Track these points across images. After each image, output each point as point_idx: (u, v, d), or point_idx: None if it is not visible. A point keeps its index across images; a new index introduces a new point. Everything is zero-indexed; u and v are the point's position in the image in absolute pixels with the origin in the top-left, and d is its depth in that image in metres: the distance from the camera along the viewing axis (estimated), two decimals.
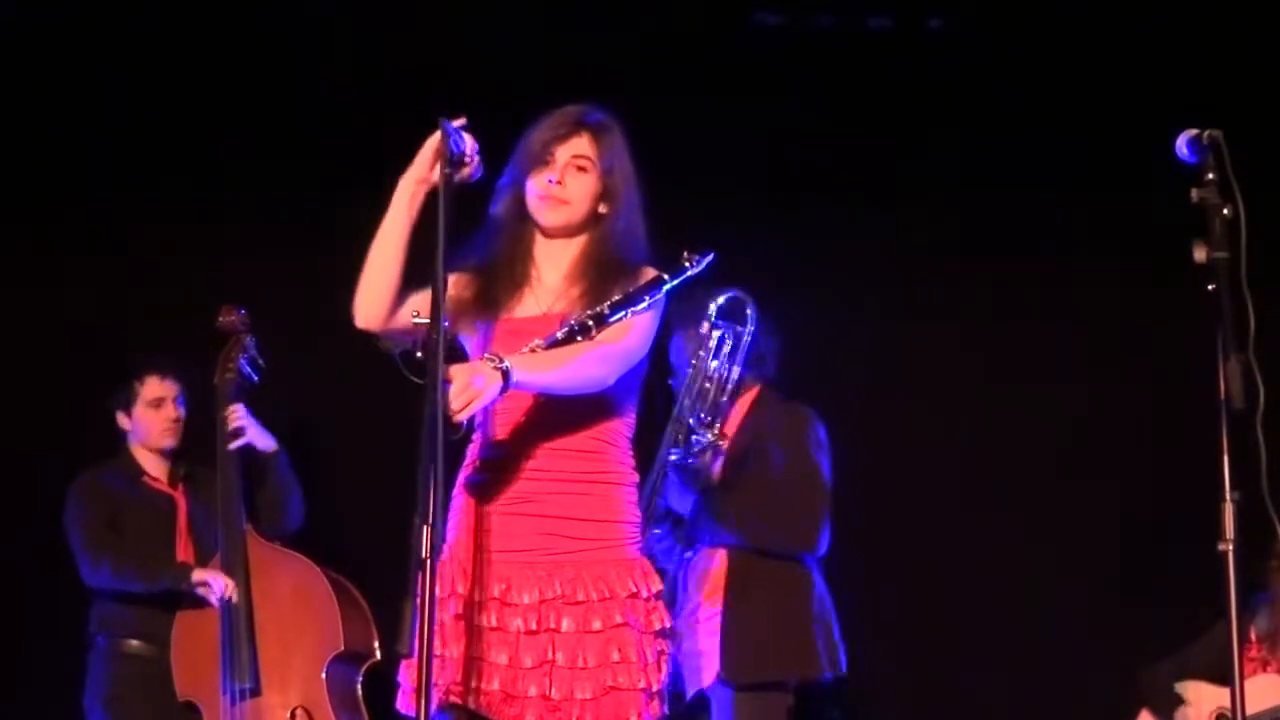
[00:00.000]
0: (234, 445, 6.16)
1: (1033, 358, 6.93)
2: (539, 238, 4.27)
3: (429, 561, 3.73)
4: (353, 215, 4.26)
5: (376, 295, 4.15)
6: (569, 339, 4.04)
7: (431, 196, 4.05)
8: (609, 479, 4.20)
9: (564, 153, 4.21)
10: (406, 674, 4.10)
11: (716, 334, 5.66)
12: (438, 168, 4.00)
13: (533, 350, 4.02)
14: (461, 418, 3.86)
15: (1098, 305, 6.98)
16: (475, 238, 4.20)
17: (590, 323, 4.05)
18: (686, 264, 4.20)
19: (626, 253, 4.24)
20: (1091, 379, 6.95)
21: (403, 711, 4.13)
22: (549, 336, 4.04)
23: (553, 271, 4.26)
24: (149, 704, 6.05)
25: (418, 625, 3.72)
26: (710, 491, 5.66)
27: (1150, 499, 6.75)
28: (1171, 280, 4.43)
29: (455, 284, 4.11)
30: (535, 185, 4.22)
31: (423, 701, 3.72)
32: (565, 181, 4.21)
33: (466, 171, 4.04)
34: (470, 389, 3.85)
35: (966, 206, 6.98)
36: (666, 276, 4.17)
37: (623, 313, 4.08)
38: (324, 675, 5.84)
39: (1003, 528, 6.83)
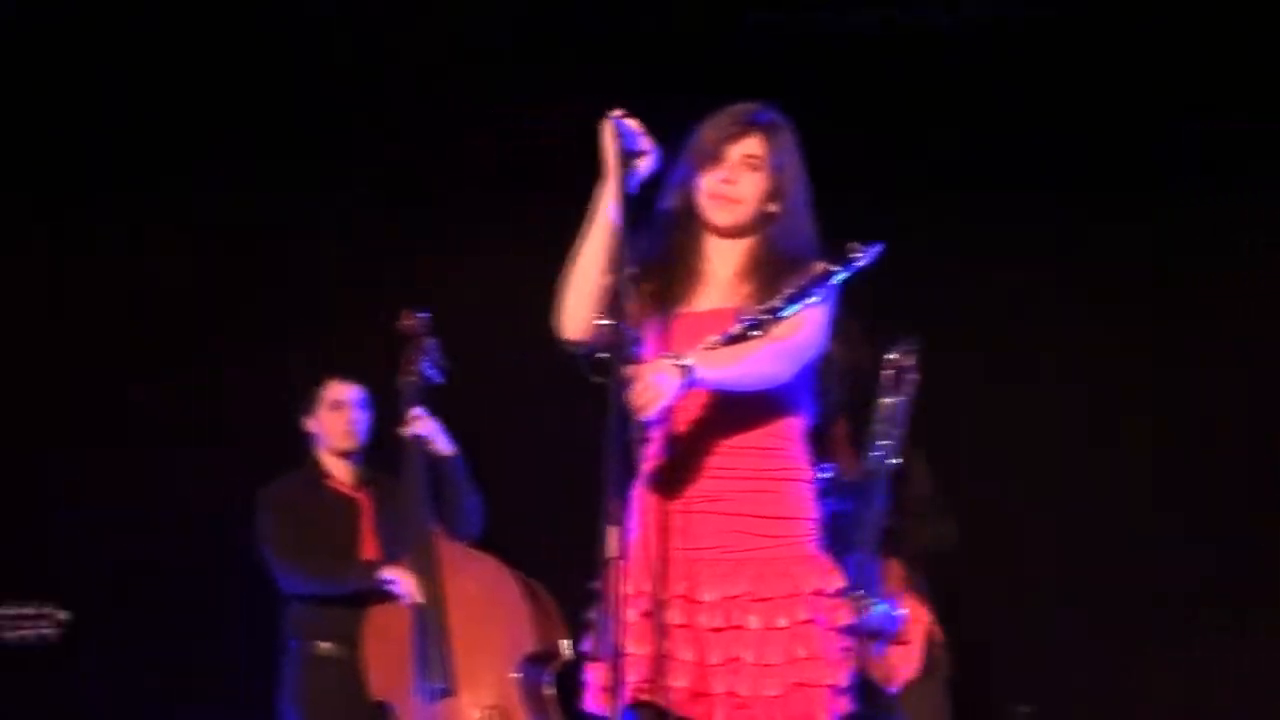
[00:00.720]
0: (411, 433, 6.20)
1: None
2: (709, 234, 4.26)
3: (617, 561, 3.74)
4: (533, 218, 4.28)
5: (582, 306, 4.13)
6: (744, 335, 4.03)
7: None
8: (789, 475, 4.18)
9: (735, 151, 4.18)
10: (593, 673, 4.11)
11: None
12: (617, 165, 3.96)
13: (709, 347, 4.01)
14: (645, 416, 3.86)
15: None
16: (643, 234, 4.16)
17: (765, 317, 4.04)
18: (855, 256, 4.15)
19: (796, 248, 4.21)
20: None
21: (590, 711, 4.14)
22: (725, 333, 4.04)
23: (724, 267, 4.25)
24: (342, 705, 6.11)
25: (607, 625, 3.73)
26: None
27: None
28: None
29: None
30: (707, 184, 4.19)
31: (615, 700, 3.74)
32: (737, 180, 4.20)
33: (644, 164, 4.03)
34: (652, 388, 3.84)
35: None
36: (837, 269, 4.13)
37: (795, 307, 4.07)
38: (515, 675, 5.87)
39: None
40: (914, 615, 5.78)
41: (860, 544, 5.69)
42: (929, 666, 5.83)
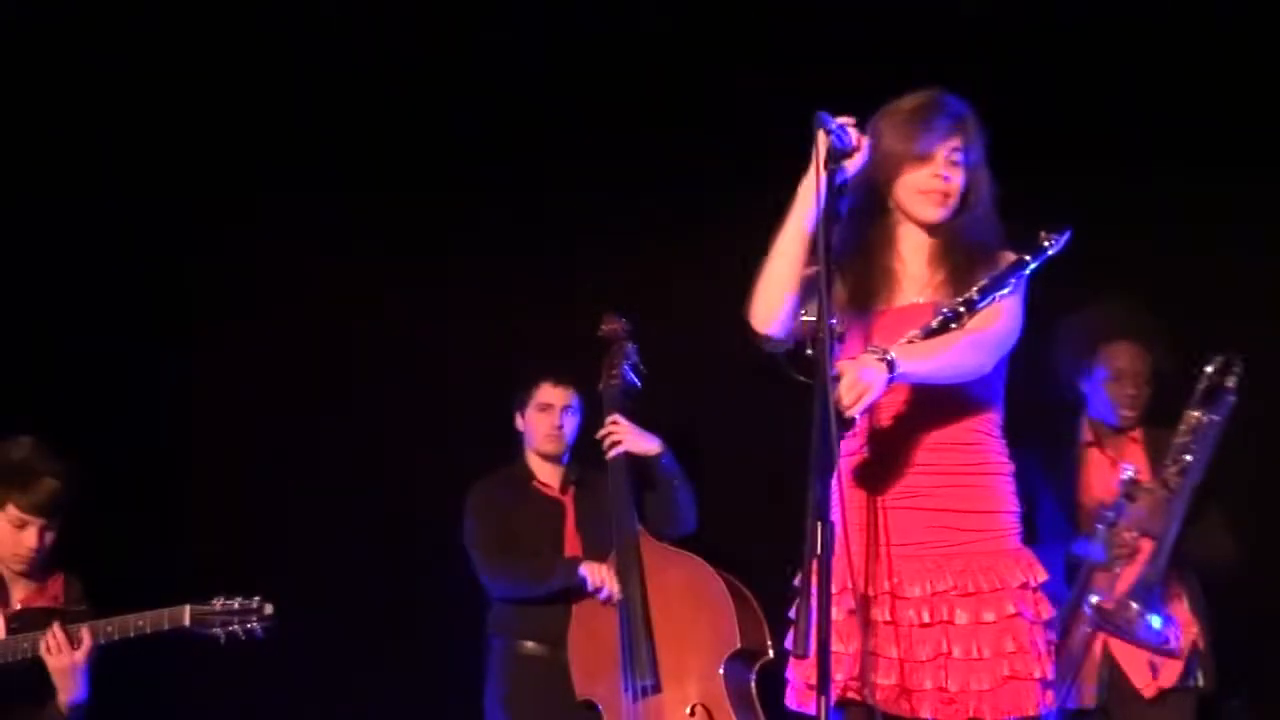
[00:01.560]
0: (611, 454, 6.26)
1: None
2: (902, 228, 4.28)
3: (824, 558, 3.76)
4: (732, 220, 4.30)
5: (777, 300, 4.15)
6: (943, 328, 4.05)
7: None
8: (990, 470, 4.20)
9: (943, 148, 4.20)
10: (796, 671, 4.17)
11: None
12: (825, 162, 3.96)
13: (910, 341, 4.03)
14: (854, 412, 3.88)
15: None
16: (842, 231, 4.13)
17: (962, 309, 4.05)
18: (1045, 244, 4.16)
19: (985, 238, 4.24)
20: None
21: (792, 709, 4.20)
22: (924, 326, 4.05)
23: (916, 260, 4.27)
24: (547, 703, 6.15)
25: (812, 622, 3.76)
26: None
27: None
28: None
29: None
30: (918, 181, 4.21)
31: (823, 698, 3.77)
32: (950, 176, 4.21)
33: (854, 162, 4.03)
34: (860, 383, 3.87)
35: None
36: (1028, 258, 4.15)
37: (990, 298, 4.08)
38: (721, 673, 5.88)
39: None
40: (1184, 627, 5.65)
41: (1155, 556, 5.62)
42: (1187, 678, 5.69)
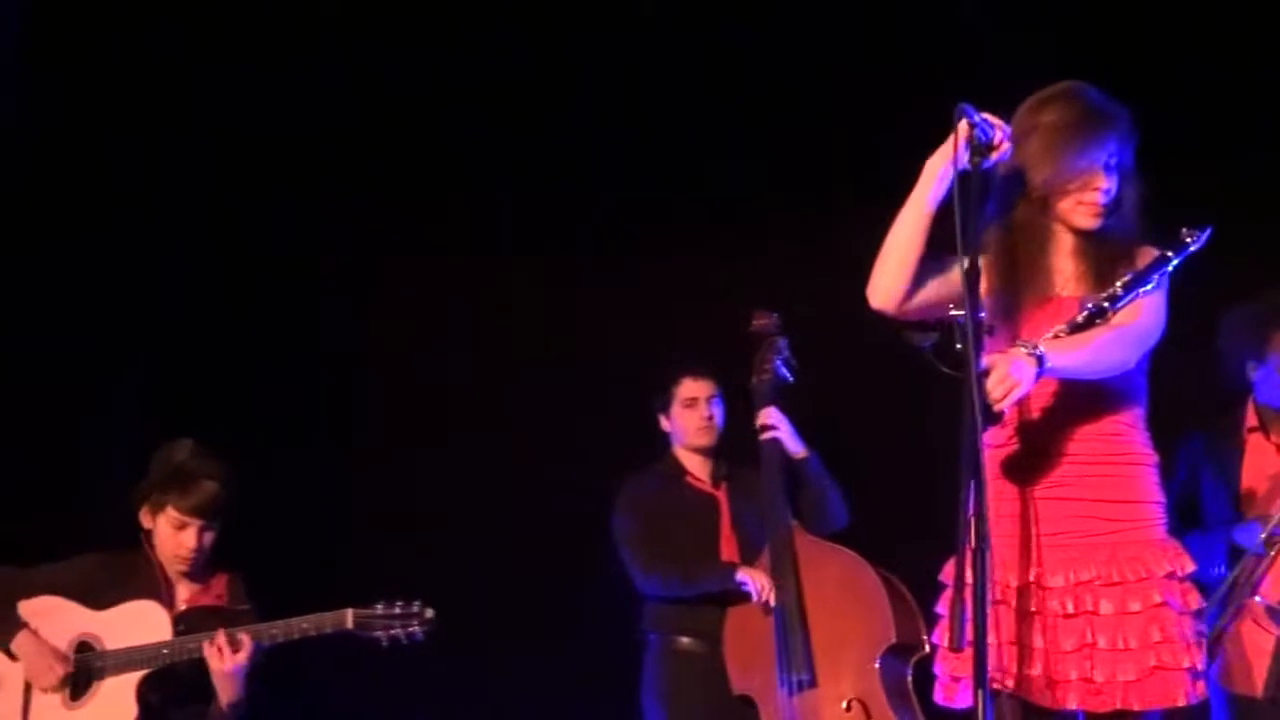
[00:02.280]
0: (764, 436, 6.29)
1: None
2: (1054, 226, 4.27)
3: (978, 552, 3.79)
4: (880, 217, 4.31)
5: (894, 275, 4.19)
6: (1089, 323, 4.08)
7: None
8: (1134, 460, 4.20)
9: (1102, 156, 4.21)
10: (944, 664, 4.20)
11: None
12: (964, 154, 3.99)
13: (1056, 336, 4.05)
14: (1003, 406, 3.90)
15: None
16: (982, 225, 4.16)
17: (1106, 305, 4.08)
18: (1187, 240, 4.17)
19: (1129, 235, 4.24)
20: None
21: (940, 703, 4.23)
22: (1070, 321, 4.08)
23: (1061, 255, 4.27)
24: (703, 698, 6.17)
25: (964, 614, 3.78)
26: None
27: None
28: None
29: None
30: (1079, 194, 4.21)
31: (979, 690, 3.78)
32: (1109, 186, 4.22)
33: (994, 157, 4.04)
34: (1010, 378, 3.89)
35: None
36: (1171, 255, 4.16)
37: (1134, 294, 4.10)
38: (877, 667, 5.87)
39: None
40: None
41: None
42: None
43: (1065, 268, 4.25)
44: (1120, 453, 4.18)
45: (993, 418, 3.88)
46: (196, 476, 5.49)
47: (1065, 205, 4.23)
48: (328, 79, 7.28)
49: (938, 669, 4.23)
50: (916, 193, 4.15)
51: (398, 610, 5.32)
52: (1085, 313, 4.08)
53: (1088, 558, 4.13)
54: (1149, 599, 4.11)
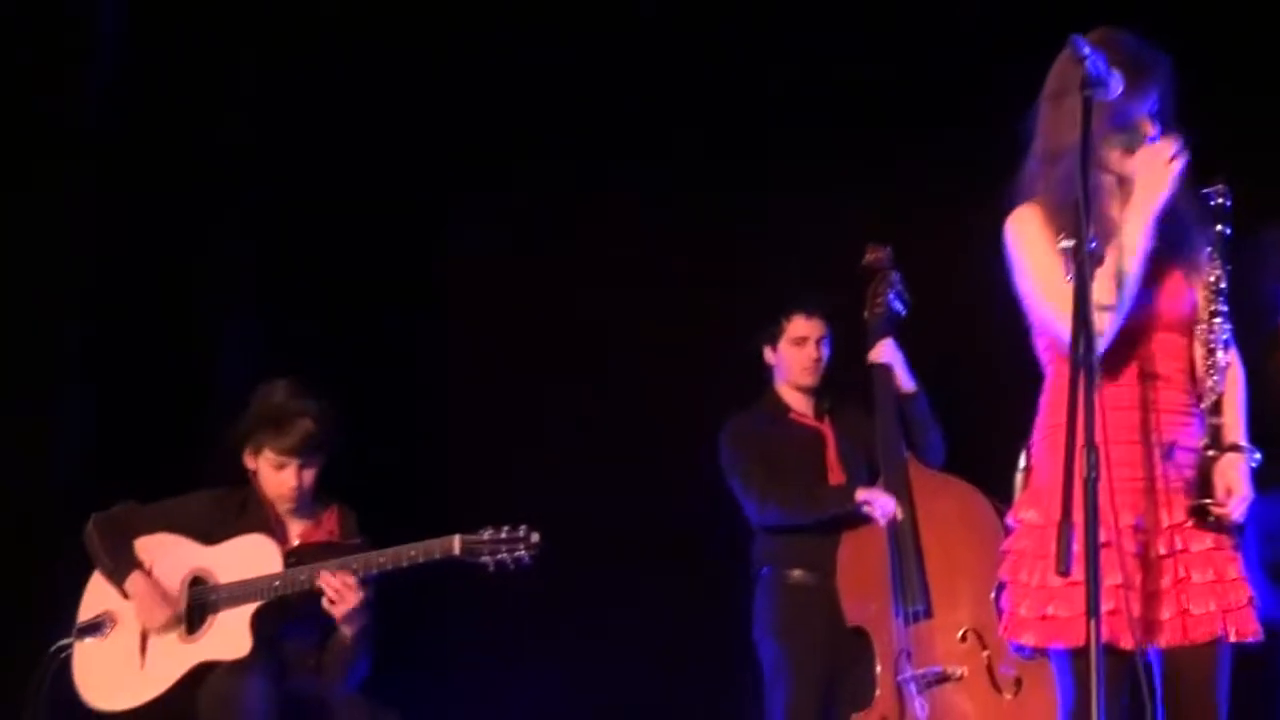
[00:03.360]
0: (878, 370, 6.28)
1: None
2: (1107, 180, 4.27)
3: (1091, 483, 3.76)
4: (994, 148, 4.29)
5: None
6: None
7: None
8: None
9: (1145, 105, 4.19)
10: (1033, 600, 4.22)
11: None
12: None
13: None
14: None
15: None
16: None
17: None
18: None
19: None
20: None
21: (1012, 642, 4.30)
22: None
23: (1119, 208, 4.26)
24: (817, 631, 6.15)
25: (1076, 548, 3.76)
26: None
27: None
28: None
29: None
30: (1146, 152, 4.20)
31: (1093, 623, 3.76)
32: (1155, 135, 4.22)
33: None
34: None
35: None
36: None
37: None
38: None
39: None
40: None
41: None
42: None
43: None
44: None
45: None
46: (291, 416, 5.53)
47: (1115, 156, 4.21)
48: None
49: (1004, 603, 4.30)
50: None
51: (504, 535, 5.32)
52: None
53: (1175, 500, 4.18)
54: (1227, 541, 4.20)
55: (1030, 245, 4.24)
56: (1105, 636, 3.93)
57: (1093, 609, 3.77)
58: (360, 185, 7.28)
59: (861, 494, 6.11)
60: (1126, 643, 4.05)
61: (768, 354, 6.52)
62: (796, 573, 6.27)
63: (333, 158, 7.23)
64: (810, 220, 7.04)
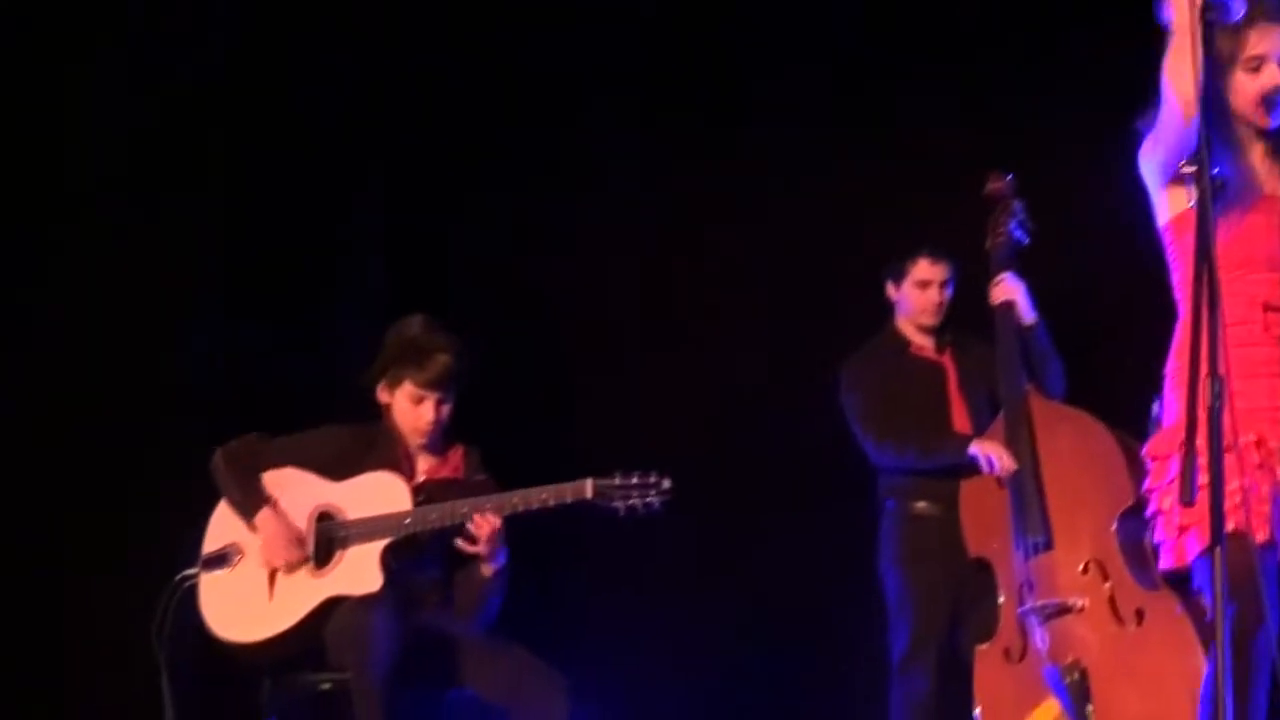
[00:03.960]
0: (997, 300, 6.25)
1: None
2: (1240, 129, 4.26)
3: (1214, 413, 3.76)
4: (1114, 70, 4.27)
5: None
6: None
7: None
8: None
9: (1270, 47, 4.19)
10: (1168, 522, 4.24)
11: None
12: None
13: None
14: None
15: None
16: None
17: None
18: None
19: None
20: None
21: (1168, 567, 4.28)
22: None
23: (1258, 157, 4.28)
24: (940, 562, 6.20)
25: (1194, 468, 3.77)
26: None
27: None
28: None
29: None
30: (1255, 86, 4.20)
31: (1218, 550, 3.76)
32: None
33: (1227, 12, 3.98)
34: None
35: None
36: None
37: None
38: (1114, 529, 5.79)
39: None
40: None
41: None
42: None
43: (1262, 168, 4.25)
44: None
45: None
46: (431, 350, 5.58)
47: (1243, 102, 4.22)
48: None
49: (1159, 536, 4.28)
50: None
51: (635, 480, 5.36)
52: None
53: None
54: None
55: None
56: (1236, 526, 4.03)
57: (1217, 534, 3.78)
58: (485, 118, 7.32)
59: (974, 447, 6.11)
60: (1260, 535, 4.09)
61: (890, 289, 6.54)
62: (920, 505, 6.33)
63: (459, 96, 7.28)
64: (936, 151, 7.01)
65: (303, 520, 5.55)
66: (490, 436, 5.77)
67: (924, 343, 6.51)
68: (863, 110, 7.18)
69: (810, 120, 7.24)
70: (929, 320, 6.47)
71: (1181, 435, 3.80)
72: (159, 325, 6.91)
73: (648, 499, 5.36)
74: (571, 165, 7.44)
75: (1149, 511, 4.33)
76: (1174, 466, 4.16)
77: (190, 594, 5.55)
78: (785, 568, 6.99)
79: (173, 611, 5.48)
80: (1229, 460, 3.96)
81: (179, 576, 5.56)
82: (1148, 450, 4.35)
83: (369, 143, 7.38)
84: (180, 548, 5.63)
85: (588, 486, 5.36)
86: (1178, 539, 4.20)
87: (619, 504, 5.36)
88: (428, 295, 6.34)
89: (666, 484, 5.37)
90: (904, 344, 6.52)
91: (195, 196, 7.02)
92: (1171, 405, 4.32)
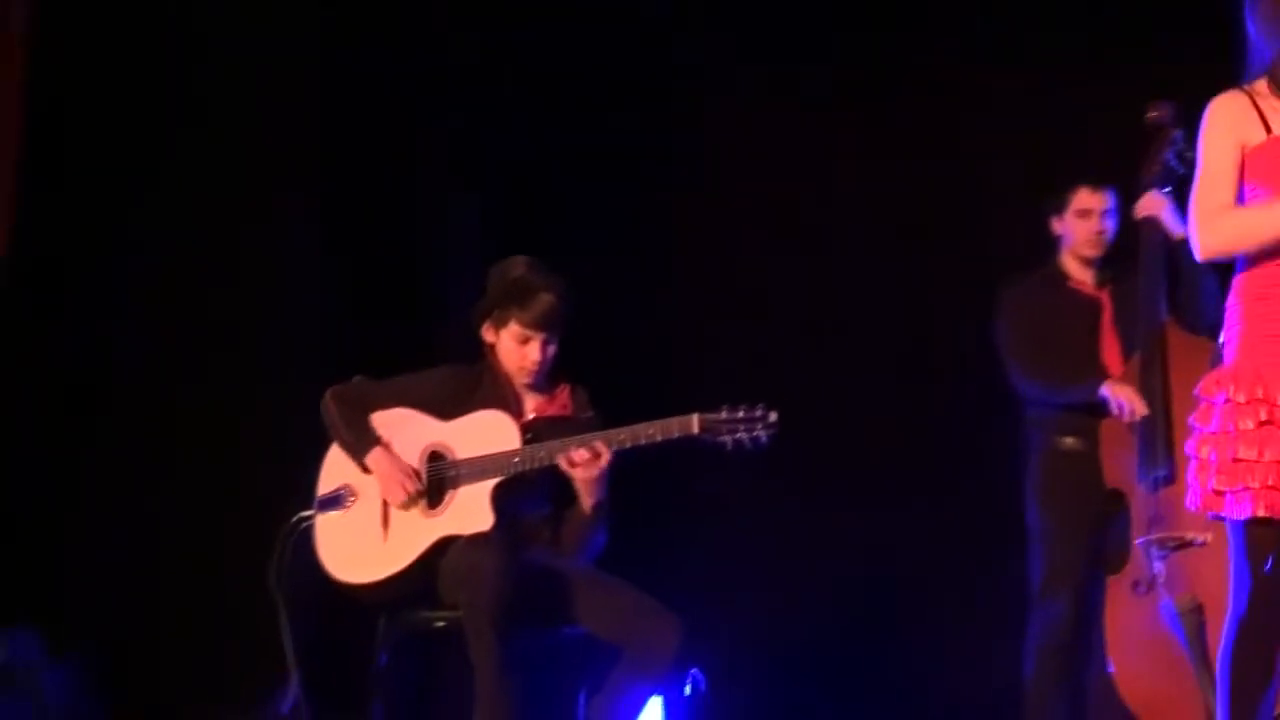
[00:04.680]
0: (1144, 214, 6.15)
1: None
2: None
3: None
4: None
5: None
6: None
7: None
8: None
9: None
10: (1204, 478, 4.34)
11: None
12: None
13: None
14: None
15: None
16: None
17: None
18: None
19: None
20: None
21: (1193, 507, 4.42)
22: None
23: None
24: (1081, 496, 6.14)
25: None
26: None
27: None
28: None
29: None
30: None
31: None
32: None
33: None
34: None
35: None
36: None
37: None
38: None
39: None
40: None
41: None
42: None
43: None
44: None
45: None
46: (536, 290, 5.62)
47: None
48: None
49: (1191, 479, 4.39)
50: None
51: (742, 415, 5.33)
52: None
53: None
54: None
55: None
56: (1265, 510, 4.12)
57: None
58: (580, 61, 7.32)
59: (1106, 389, 6.04)
60: None
61: (1054, 223, 6.48)
62: (1064, 440, 6.29)
63: (560, 41, 7.30)
64: (1093, 83, 6.93)
65: (414, 460, 5.63)
66: (598, 375, 5.79)
67: (1083, 277, 6.45)
68: (1022, 46, 7.12)
69: (972, 56, 7.20)
70: (1090, 251, 6.40)
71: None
72: (268, 268, 7.03)
73: (754, 433, 5.32)
74: (689, 94, 7.44)
75: (1187, 448, 4.41)
76: (1216, 418, 4.27)
77: (306, 536, 5.64)
78: (926, 496, 6.99)
79: (289, 553, 5.58)
80: (1269, 432, 4.10)
81: (295, 518, 5.66)
82: (1200, 389, 4.41)
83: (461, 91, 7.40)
84: (296, 490, 5.73)
85: (694, 421, 5.34)
86: (1208, 493, 4.29)
87: (725, 438, 5.33)
88: (528, 233, 6.35)
89: (773, 417, 5.33)
90: (1063, 277, 6.47)
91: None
92: (1231, 343, 4.36)
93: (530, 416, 5.67)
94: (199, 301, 7.02)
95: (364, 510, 5.62)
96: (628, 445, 5.43)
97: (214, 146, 7.07)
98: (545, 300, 5.60)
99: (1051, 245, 6.49)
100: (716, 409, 5.34)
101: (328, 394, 5.71)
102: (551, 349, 5.66)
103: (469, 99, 7.36)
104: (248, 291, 7.03)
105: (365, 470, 5.62)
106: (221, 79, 7.08)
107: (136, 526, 6.90)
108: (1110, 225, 6.39)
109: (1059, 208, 6.43)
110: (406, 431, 5.65)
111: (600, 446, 5.43)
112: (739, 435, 5.31)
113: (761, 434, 5.32)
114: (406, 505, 5.56)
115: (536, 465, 5.48)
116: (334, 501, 5.64)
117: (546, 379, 5.73)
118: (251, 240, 7.06)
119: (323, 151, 7.15)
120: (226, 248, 7.06)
